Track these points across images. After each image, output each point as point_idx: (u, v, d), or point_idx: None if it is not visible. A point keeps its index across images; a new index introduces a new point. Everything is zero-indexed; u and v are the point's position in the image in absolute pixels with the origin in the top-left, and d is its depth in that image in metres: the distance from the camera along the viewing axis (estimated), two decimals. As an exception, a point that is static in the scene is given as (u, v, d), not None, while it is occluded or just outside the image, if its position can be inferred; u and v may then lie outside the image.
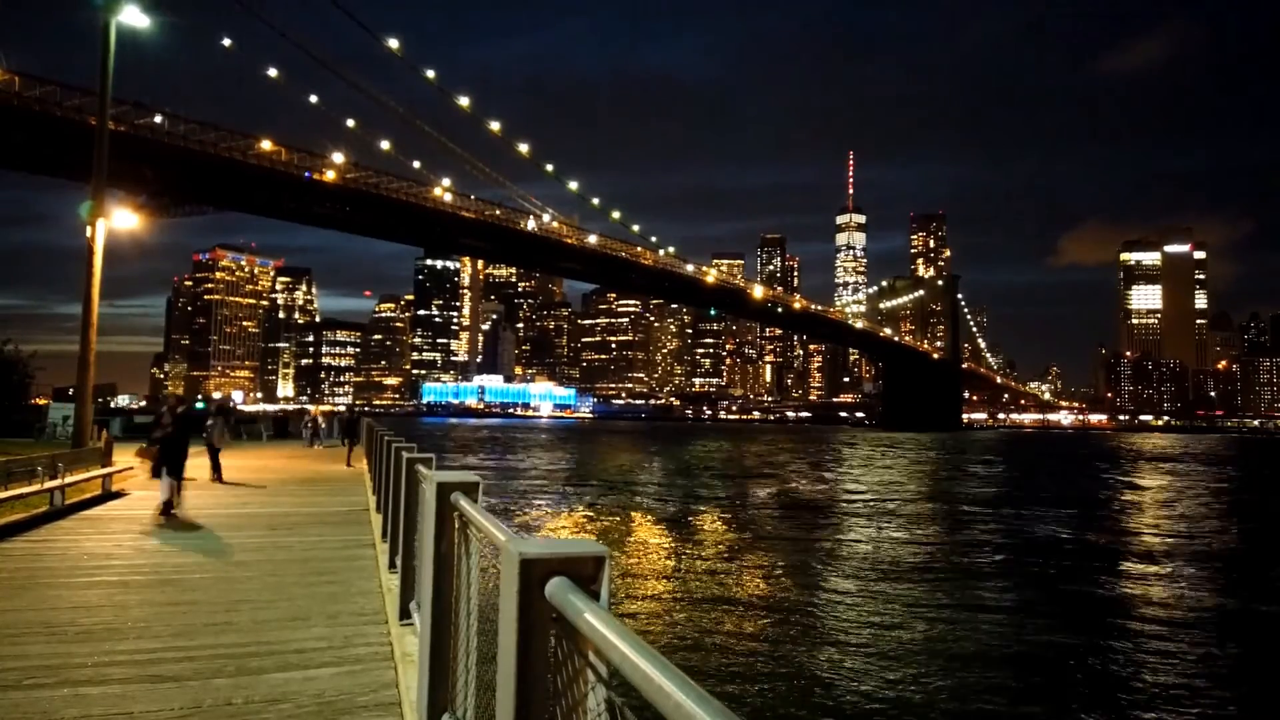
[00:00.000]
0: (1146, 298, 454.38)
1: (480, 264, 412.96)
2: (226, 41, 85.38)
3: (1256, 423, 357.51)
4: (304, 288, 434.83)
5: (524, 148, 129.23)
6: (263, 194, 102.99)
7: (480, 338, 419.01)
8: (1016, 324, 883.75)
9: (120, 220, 24.35)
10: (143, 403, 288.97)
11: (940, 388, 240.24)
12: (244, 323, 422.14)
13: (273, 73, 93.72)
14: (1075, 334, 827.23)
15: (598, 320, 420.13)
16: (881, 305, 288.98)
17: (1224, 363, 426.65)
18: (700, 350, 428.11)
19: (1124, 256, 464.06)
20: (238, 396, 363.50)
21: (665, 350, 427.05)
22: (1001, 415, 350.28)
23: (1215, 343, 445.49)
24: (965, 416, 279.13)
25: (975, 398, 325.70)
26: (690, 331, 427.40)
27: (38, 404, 44.81)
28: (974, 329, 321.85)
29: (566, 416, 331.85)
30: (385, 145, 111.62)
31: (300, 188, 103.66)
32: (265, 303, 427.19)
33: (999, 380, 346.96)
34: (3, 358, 41.38)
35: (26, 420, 38.37)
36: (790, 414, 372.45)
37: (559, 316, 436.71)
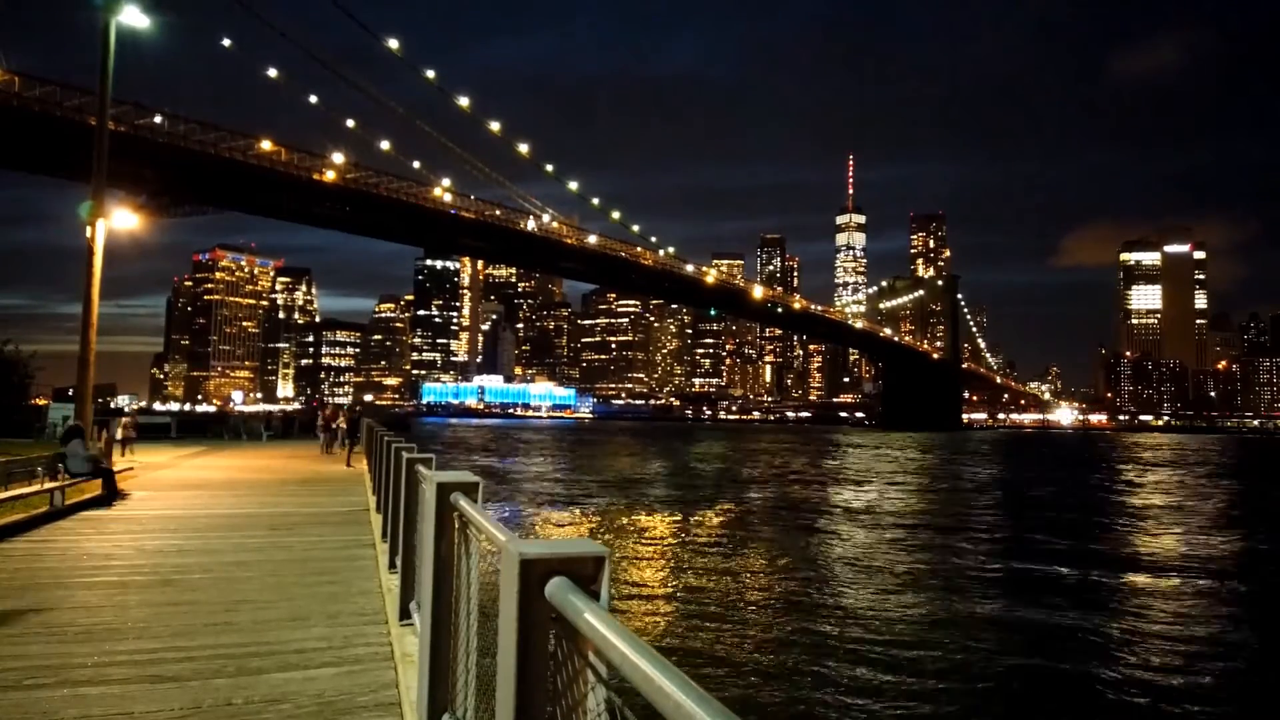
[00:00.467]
0: (1146, 298, 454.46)
1: (480, 264, 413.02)
2: (226, 41, 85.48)
3: (1256, 423, 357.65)
4: (304, 288, 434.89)
5: (524, 148, 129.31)
6: (263, 194, 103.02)
7: (480, 338, 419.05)
8: (1016, 324, 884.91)
9: (120, 220, 24.34)
10: (143, 403, 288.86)
11: (940, 388, 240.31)
12: (244, 323, 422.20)
13: (273, 73, 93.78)
14: (1075, 334, 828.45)
15: (598, 320, 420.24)
16: (881, 305, 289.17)
17: (1224, 363, 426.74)
18: (700, 350, 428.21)
19: (1124, 256, 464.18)
20: (237, 397, 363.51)
21: (665, 350, 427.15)
22: (1001, 415, 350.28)
23: (1215, 343, 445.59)
24: (965, 416, 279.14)
25: (975, 398, 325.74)
26: (690, 331, 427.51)
27: (38, 404, 44.80)
28: (974, 329, 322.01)
29: (566, 417, 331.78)
30: (385, 145, 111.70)
31: (300, 188, 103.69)
32: (265, 303, 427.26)
33: (999, 380, 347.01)
34: (3, 358, 41.39)
35: (26, 420, 38.37)
36: (790, 414, 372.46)
37: (559, 316, 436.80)
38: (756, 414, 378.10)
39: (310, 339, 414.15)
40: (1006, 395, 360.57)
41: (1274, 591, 21.15)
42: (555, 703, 2.09)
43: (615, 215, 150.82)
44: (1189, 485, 56.42)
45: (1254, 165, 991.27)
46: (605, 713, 1.84)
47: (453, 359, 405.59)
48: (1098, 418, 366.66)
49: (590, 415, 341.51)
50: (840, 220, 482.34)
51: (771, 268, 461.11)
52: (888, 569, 22.13)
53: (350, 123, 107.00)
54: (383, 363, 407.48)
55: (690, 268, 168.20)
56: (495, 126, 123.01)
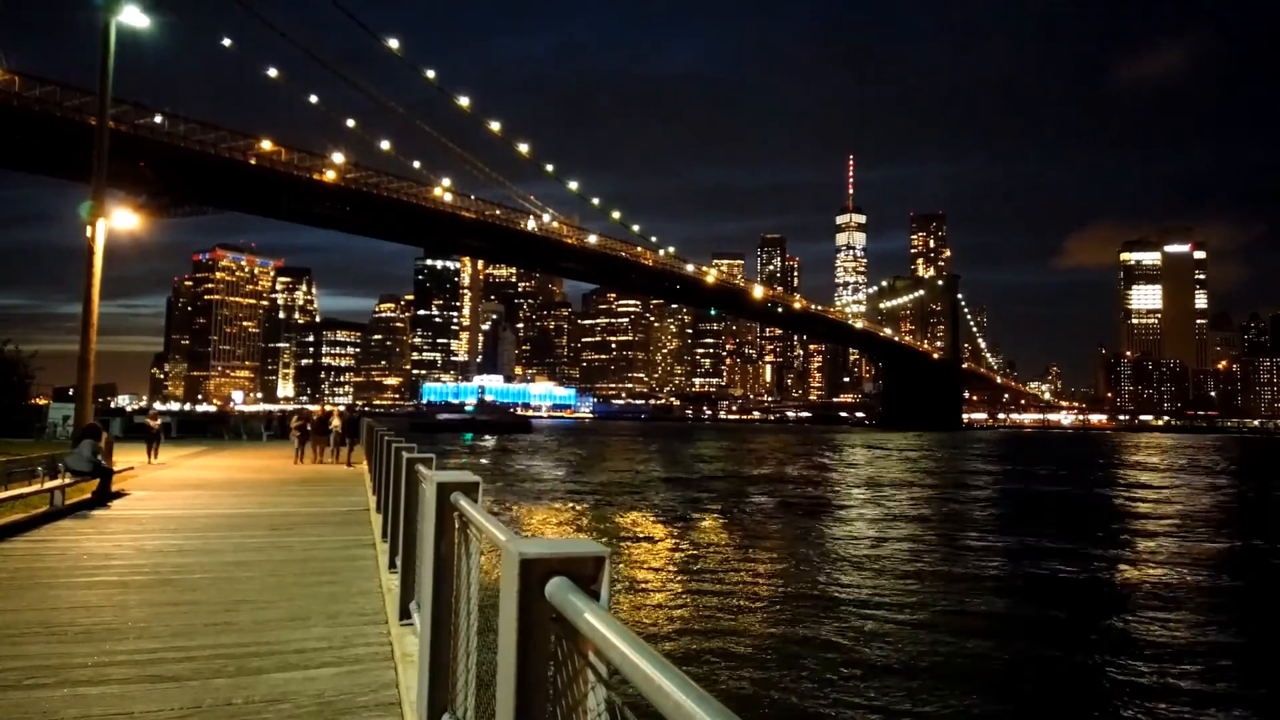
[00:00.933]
0: (1146, 298, 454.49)
1: (480, 264, 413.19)
2: (226, 41, 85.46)
3: (1256, 423, 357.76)
4: (304, 288, 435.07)
5: (524, 148, 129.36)
6: (263, 194, 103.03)
7: (480, 338, 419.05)
8: (1017, 324, 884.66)
9: (120, 220, 24.34)
10: (143, 403, 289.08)
11: (940, 388, 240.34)
12: (244, 323, 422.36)
13: (273, 73, 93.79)
14: (1075, 334, 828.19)
15: (598, 320, 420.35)
16: (881, 305, 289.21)
17: (1224, 363, 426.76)
18: (700, 350, 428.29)
19: (1124, 256, 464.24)
20: (238, 397, 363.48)
21: (665, 350, 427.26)
22: (1001, 415, 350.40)
23: (1215, 343, 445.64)
24: (965, 416, 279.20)
25: (975, 398, 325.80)
26: (690, 331, 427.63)
27: (38, 404, 44.80)
28: (974, 329, 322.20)
29: (566, 417, 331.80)
30: (385, 145, 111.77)
31: (300, 188, 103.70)
32: (265, 303, 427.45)
33: (999, 380, 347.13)
34: (3, 358, 41.38)
35: (26, 420, 38.36)
36: (790, 414, 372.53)
37: (559, 316, 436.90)
38: (756, 414, 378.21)
39: (310, 339, 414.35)
40: (1006, 395, 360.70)
41: (1274, 592, 21.15)
42: (555, 702, 2.09)
43: (615, 215, 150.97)
44: (1192, 485, 56.43)
45: (1256, 166, 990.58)
46: (605, 713, 1.84)
47: (453, 359, 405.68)
48: (1098, 417, 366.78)
49: (590, 415, 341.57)
50: (840, 220, 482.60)
51: (772, 268, 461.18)
52: (888, 568, 22.13)
53: (350, 123, 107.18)
54: (383, 363, 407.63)
55: (690, 267, 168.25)
56: (495, 126, 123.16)
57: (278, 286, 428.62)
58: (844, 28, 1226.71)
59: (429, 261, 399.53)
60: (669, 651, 13.38)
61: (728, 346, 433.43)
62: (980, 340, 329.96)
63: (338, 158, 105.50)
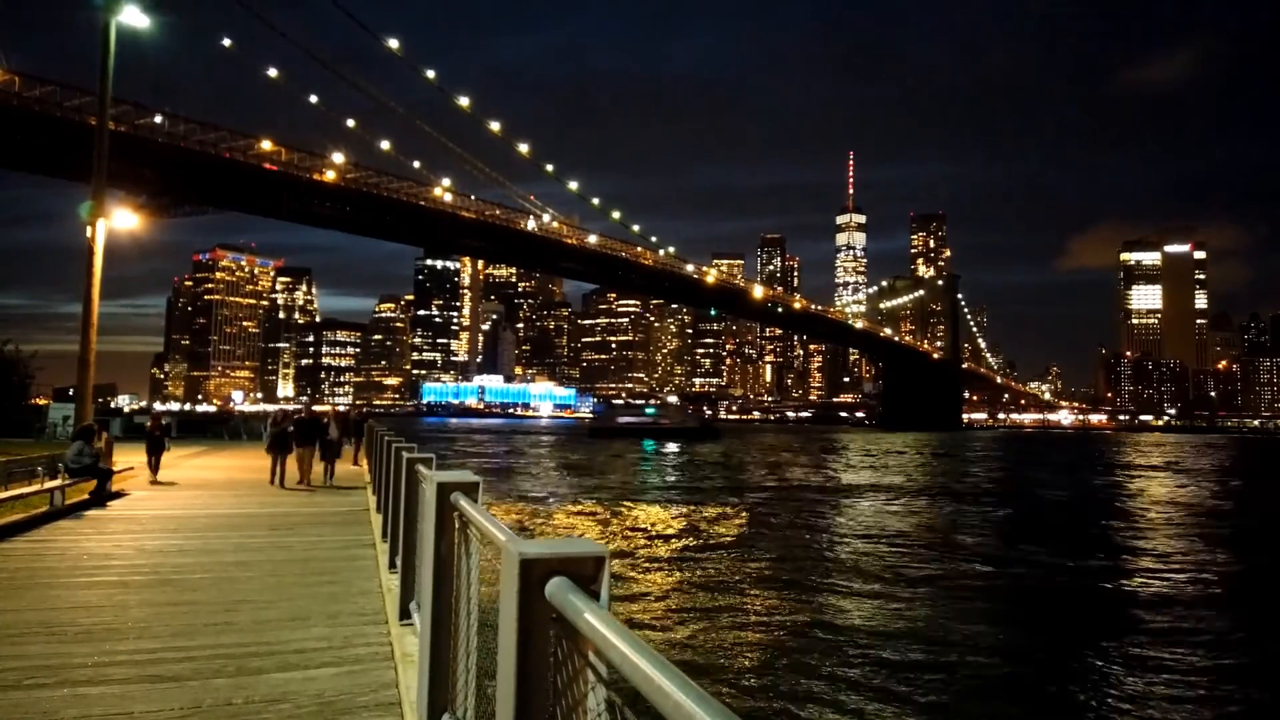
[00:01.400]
0: (1147, 298, 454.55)
1: (480, 264, 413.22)
2: (226, 41, 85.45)
3: (1257, 423, 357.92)
4: (304, 288, 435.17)
5: (524, 148, 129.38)
6: (263, 194, 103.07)
7: (480, 338, 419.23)
8: (1017, 324, 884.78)
9: (120, 220, 24.36)
10: (143, 403, 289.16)
11: (940, 388, 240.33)
12: (244, 323, 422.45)
13: (273, 73, 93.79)
14: (1076, 334, 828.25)
15: (598, 320, 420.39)
16: (881, 305, 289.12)
17: (1224, 363, 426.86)
18: (700, 350, 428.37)
19: (1124, 256, 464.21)
20: (238, 397, 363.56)
21: (665, 350, 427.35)
22: (1001, 415, 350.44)
23: (1215, 343, 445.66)
24: (965, 416, 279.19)
25: (975, 398, 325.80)
26: (690, 331, 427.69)
27: (38, 404, 44.82)
28: (974, 329, 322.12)
29: (567, 416, 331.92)
30: (385, 145, 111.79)
31: (300, 188, 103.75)
32: (265, 303, 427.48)
33: (999, 380, 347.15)
34: (3, 358, 41.40)
35: (26, 420, 38.39)
36: (790, 414, 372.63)
37: (559, 316, 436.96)
38: (757, 414, 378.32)
39: (310, 339, 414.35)
40: (1007, 395, 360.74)
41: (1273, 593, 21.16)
42: (555, 702, 2.09)
43: (615, 215, 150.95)
44: (1197, 484, 56.44)
45: (1259, 167, 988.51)
46: (605, 713, 1.84)
47: (453, 359, 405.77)
48: (1098, 417, 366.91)
49: (590, 415, 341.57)
50: (840, 220, 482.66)
51: (772, 268, 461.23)
52: (889, 568, 22.12)
53: (350, 123, 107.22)
54: (383, 363, 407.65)
55: (690, 267, 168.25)
56: (495, 126, 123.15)
57: (278, 286, 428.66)
58: (844, 28, 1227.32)
59: (429, 261, 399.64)
60: (669, 651, 13.39)
61: (728, 346, 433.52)
62: (980, 340, 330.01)
63: (338, 158, 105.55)
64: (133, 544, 11.08)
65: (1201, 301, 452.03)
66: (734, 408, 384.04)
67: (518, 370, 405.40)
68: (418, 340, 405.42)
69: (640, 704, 1.51)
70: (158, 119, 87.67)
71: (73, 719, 4.93)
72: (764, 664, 13.35)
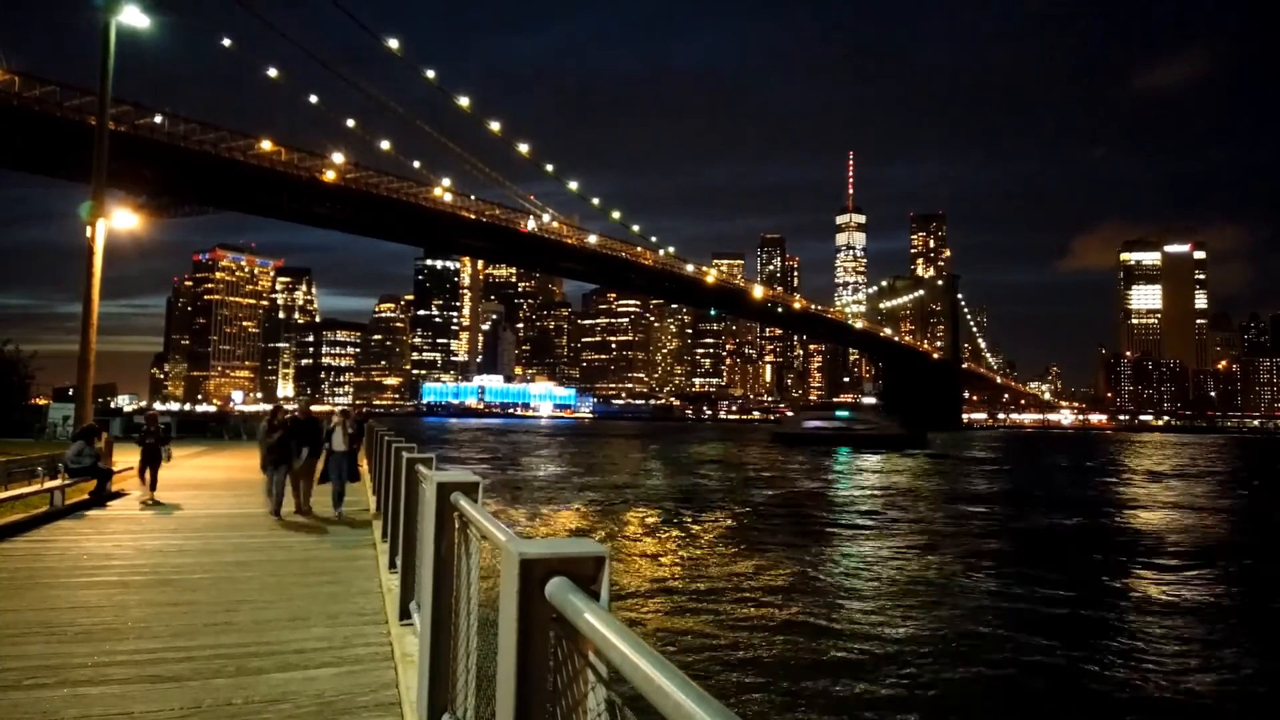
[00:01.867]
0: (1146, 298, 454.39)
1: (480, 264, 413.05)
2: (226, 41, 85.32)
3: (1257, 423, 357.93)
4: (304, 288, 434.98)
5: (524, 148, 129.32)
6: (263, 194, 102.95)
7: (480, 338, 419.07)
8: (1017, 324, 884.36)
9: (120, 220, 24.35)
10: (143, 403, 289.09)
11: (940, 388, 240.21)
12: (244, 323, 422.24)
13: (273, 73, 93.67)
14: (1076, 334, 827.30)
15: (598, 320, 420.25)
16: (881, 305, 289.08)
17: (1224, 363, 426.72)
18: (700, 350, 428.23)
19: (1124, 256, 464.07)
20: (238, 396, 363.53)
21: (665, 350, 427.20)
22: (1001, 415, 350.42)
23: (1215, 343, 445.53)
24: (965, 416, 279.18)
25: (975, 398, 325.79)
26: (690, 331, 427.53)
27: (38, 404, 44.81)
28: (974, 329, 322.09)
29: (566, 416, 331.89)
30: (385, 145, 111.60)
31: (300, 188, 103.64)
32: (265, 303, 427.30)
33: (999, 380, 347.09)
34: (3, 358, 41.39)
35: (26, 420, 38.37)
36: (790, 414, 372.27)
37: (559, 316, 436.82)
38: (757, 414, 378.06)
39: (310, 339, 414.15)
40: (1007, 395, 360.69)
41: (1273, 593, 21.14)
42: (555, 702, 2.09)
43: (615, 215, 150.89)
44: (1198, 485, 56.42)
45: (1262, 169, 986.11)
46: (605, 713, 1.84)
47: (453, 359, 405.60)
48: (1098, 417, 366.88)
49: (590, 415, 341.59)
50: (840, 220, 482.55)
51: (771, 268, 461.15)
52: (890, 569, 22.12)
53: (350, 122, 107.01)
54: (383, 363, 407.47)
55: (690, 267, 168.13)
56: (495, 126, 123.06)
57: (278, 286, 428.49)
58: (844, 28, 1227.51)
59: (429, 261, 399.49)
60: (669, 652, 13.38)
61: (728, 346, 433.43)
62: (980, 340, 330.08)
63: (338, 158, 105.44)
64: (133, 544, 11.08)
65: (1201, 301, 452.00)
66: (734, 408, 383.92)
67: (518, 370, 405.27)
68: (418, 340, 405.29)
69: (640, 704, 1.51)
70: (158, 119, 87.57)
71: (73, 719, 4.93)
72: (765, 664, 13.35)
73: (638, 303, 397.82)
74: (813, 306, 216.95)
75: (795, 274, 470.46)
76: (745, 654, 13.85)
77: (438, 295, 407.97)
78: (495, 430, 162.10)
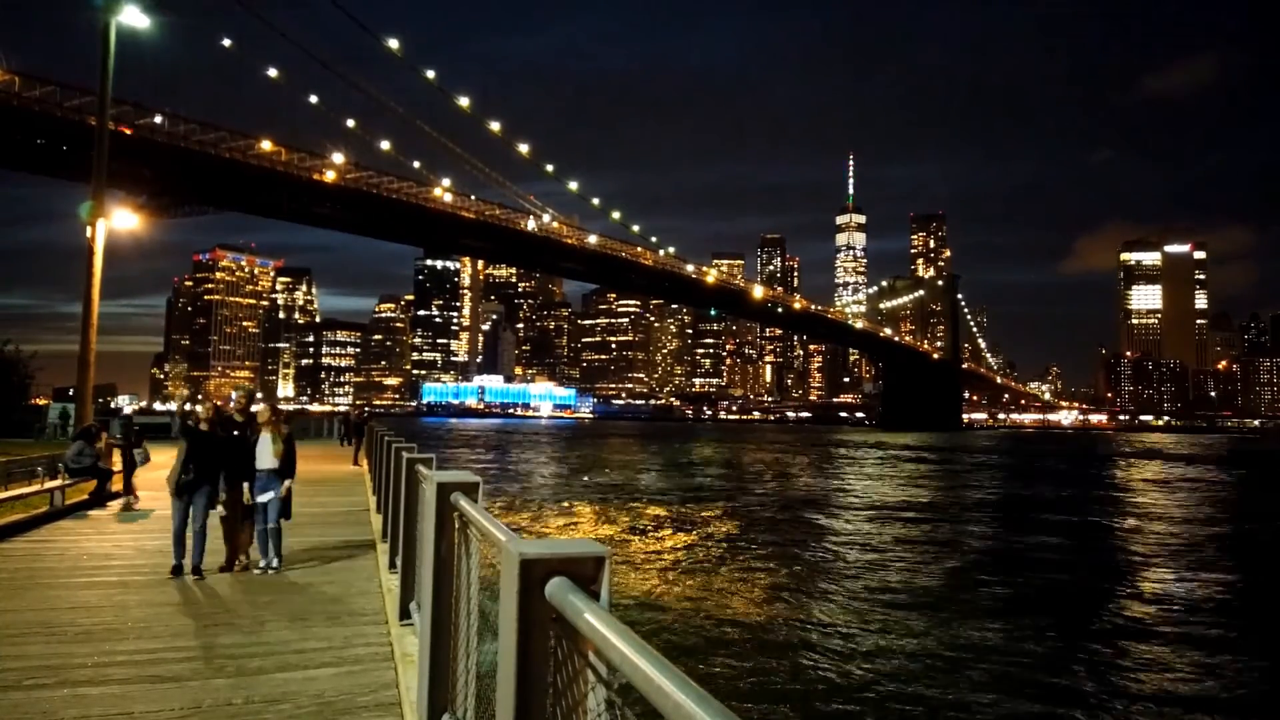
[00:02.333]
0: (1146, 298, 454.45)
1: (480, 264, 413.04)
2: (226, 42, 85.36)
3: (1257, 423, 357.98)
4: (304, 288, 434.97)
5: (524, 148, 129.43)
6: (263, 194, 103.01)
7: (480, 338, 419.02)
8: (1017, 324, 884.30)
9: (120, 220, 24.37)
10: (143, 403, 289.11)
11: (940, 388, 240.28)
12: (244, 323, 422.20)
13: (273, 73, 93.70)
14: (1076, 334, 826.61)
15: (598, 320, 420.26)
16: (881, 305, 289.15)
17: (1224, 363, 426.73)
18: (700, 350, 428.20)
19: (1124, 256, 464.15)
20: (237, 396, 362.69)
21: (665, 350, 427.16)
22: (1002, 415, 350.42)
23: (1215, 343, 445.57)
24: (965, 417, 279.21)
25: (975, 398, 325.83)
26: (690, 332, 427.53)
27: (37, 404, 44.82)
28: (974, 329, 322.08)
29: (567, 417, 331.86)
30: (385, 145, 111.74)
31: (300, 188, 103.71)
32: (265, 303, 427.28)
33: (999, 380, 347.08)
34: (3, 358, 41.39)
35: (26, 420, 38.37)
36: (790, 414, 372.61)
37: (559, 317, 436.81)
38: (757, 414, 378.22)
39: (310, 339, 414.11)
40: (1007, 395, 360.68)
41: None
42: (556, 703, 2.09)
43: (615, 215, 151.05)
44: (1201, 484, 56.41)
45: (1265, 170, 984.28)
46: (605, 713, 1.84)
47: (453, 359, 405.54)
48: (1098, 417, 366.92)
49: (590, 415, 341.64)
50: (840, 220, 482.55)
51: (772, 268, 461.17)
52: (892, 571, 22.11)
53: (350, 123, 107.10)
54: (383, 363, 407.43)
55: (690, 268, 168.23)
56: (495, 126, 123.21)
57: (278, 286, 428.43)
58: (844, 28, 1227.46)
59: (429, 261, 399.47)
60: (669, 652, 13.37)
61: (728, 347, 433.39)
62: (980, 340, 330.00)
63: (338, 158, 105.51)
64: (133, 544, 11.08)
65: (1201, 302, 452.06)
66: (734, 408, 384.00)
67: (518, 370, 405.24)
68: (418, 340, 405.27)
69: (641, 704, 1.50)
70: (158, 119, 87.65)
71: (73, 719, 4.93)
72: (766, 664, 13.34)
73: (638, 303, 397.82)
74: (813, 307, 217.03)
75: (795, 274, 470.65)
76: (746, 654, 13.85)
77: (438, 295, 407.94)
78: (495, 430, 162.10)
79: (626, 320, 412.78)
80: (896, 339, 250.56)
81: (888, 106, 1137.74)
